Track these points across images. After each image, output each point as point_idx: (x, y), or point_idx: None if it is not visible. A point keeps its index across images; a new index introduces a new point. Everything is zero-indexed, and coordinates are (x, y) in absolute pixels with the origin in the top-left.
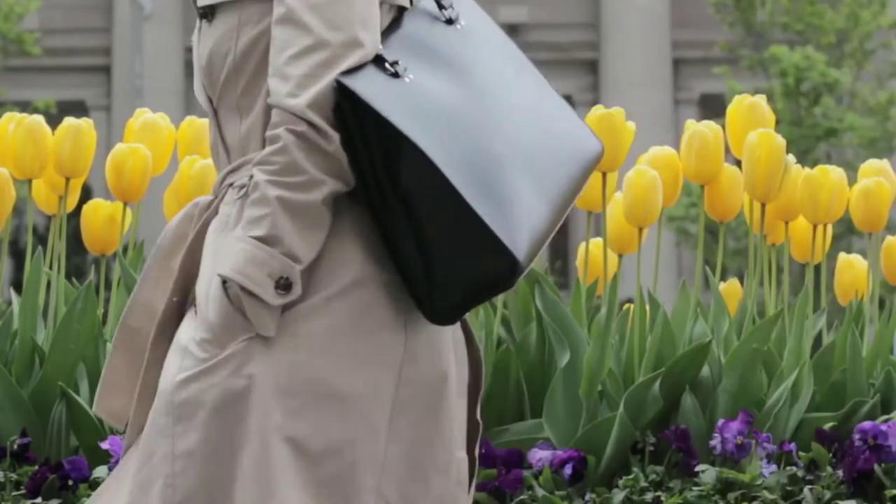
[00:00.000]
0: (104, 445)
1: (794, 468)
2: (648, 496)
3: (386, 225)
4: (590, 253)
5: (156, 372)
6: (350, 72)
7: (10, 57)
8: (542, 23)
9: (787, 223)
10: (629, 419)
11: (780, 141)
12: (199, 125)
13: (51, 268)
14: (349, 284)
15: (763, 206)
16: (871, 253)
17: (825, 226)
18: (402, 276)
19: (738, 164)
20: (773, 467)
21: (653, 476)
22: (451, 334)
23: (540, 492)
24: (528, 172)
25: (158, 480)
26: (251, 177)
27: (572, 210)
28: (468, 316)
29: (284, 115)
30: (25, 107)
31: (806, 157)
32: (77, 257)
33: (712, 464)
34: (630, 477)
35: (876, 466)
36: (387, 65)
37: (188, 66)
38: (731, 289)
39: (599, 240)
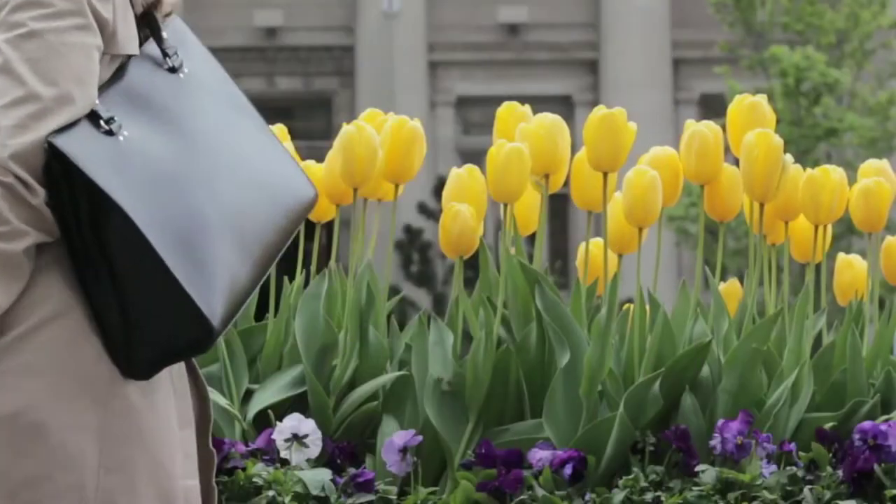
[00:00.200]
0: None
1: (794, 468)
2: (648, 496)
3: (88, 282)
4: (590, 253)
5: None
6: (63, 129)
7: None
8: (542, 23)
9: (787, 223)
10: (629, 419)
11: (778, 141)
12: None
13: None
14: (49, 317)
15: (762, 206)
16: (871, 253)
17: (825, 226)
18: (100, 327)
19: (739, 163)
20: (773, 467)
21: (653, 476)
22: (168, 369)
23: (540, 492)
24: (231, 231)
25: None
26: None
27: (573, 210)
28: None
29: None
30: None
31: (806, 157)
32: None
33: (712, 464)
34: (630, 477)
35: (876, 466)
36: (101, 122)
37: None
38: (731, 289)
39: (599, 240)
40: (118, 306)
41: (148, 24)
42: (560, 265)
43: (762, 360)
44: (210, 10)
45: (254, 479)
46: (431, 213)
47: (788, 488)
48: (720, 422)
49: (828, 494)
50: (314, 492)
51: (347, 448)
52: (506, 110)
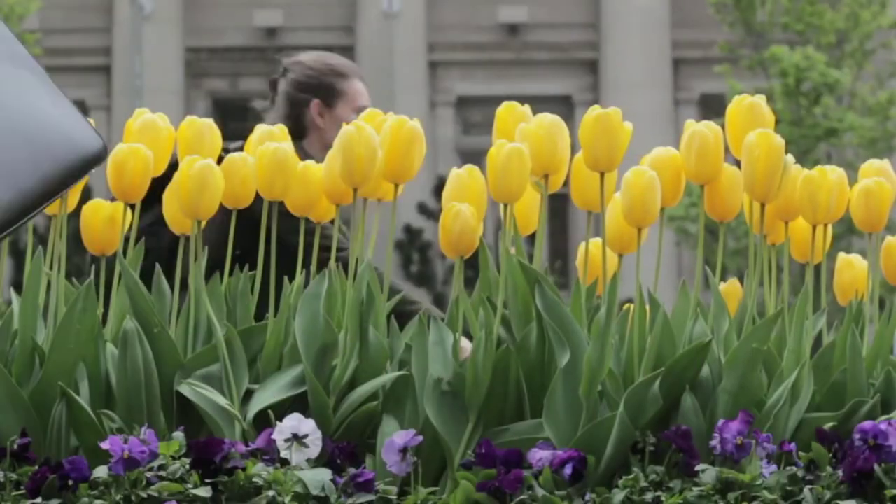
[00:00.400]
0: (104, 445)
1: (794, 468)
2: (648, 496)
3: None
4: (590, 253)
5: None
6: None
7: None
8: (542, 23)
9: (786, 223)
10: (629, 419)
11: (780, 141)
12: (199, 125)
13: (51, 268)
14: None
15: (762, 206)
16: (871, 253)
17: (825, 226)
18: None
19: (738, 164)
20: (773, 467)
21: (653, 476)
22: None
23: (540, 492)
24: None
25: None
26: None
27: (573, 210)
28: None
29: None
30: None
31: (806, 157)
32: (77, 257)
33: (712, 464)
34: (630, 477)
35: (876, 466)
36: None
37: (188, 66)
38: (731, 289)
39: (599, 240)
40: None
41: None
42: (560, 265)
43: (762, 360)
44: (210, 10)
45: (254, 480)
46: (431, 213)
47: (788, 488)
48: (720, 422)
49: (828, 494)
50: (314, 492)
51: (347, 448)
52: (506, 110)
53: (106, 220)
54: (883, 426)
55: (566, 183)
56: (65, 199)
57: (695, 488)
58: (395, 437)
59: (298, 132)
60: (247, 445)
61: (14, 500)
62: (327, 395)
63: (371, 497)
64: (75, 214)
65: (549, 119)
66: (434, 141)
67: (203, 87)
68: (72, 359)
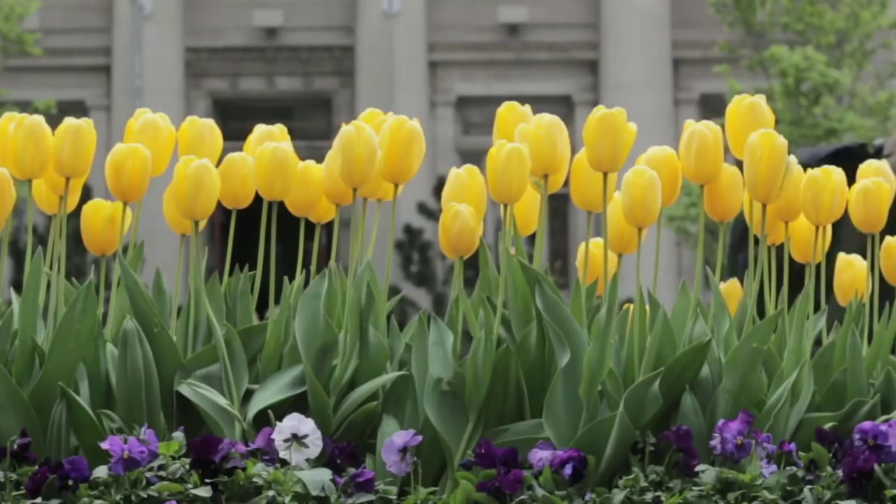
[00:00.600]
0: (104, 445)
1: (794, 468)
2: (648, 496)
3: None
4: (590, 253)
5: None
6: None
7: (10, 57)
8: (542, 23)
9: (787, 223)
10: (629, 419)
11: (782, 141)
12: (199, 125)
13: (51, 268)
14: None
15: (764, 206)
16: (871, 253)
17: (825, 226)
18: None
19: (738, 163)
20: (773, 467)
21: (653, 476)
22: None
23: (540, 492)
24: None
25: None
26: None
27: (573, 210)
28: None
29: None
30: (25, 107)
31: None
32: (77, 257)
33: (712, 464)
34: (630, 477)
35: (876, 466)
36: None
37: (188, 66)
38: (731, 289)
39: (599, 240)
40: None
41: None
42: (560, 265)
43: (762, 360)
44: (210, 10)
45: (254, 480)
46: (431, 213)
47: (788, 488)
48: (720, 422)
49: (828, 494)
50: (314, 492)
51: (347, 448)
52: (505, 110)
53: (106, 220)
54: (883, 426)
55: (566, 183)
56: (65, 199)
57: (695, 488)
58: (394, 437)
59: None
60: (247, 445)
61: (14, 500)
62: (327, 395)
63: (371, 497)
64: (75, 214)
65: (549, 119)
66: (434, 141)
67: (203, 87)
68: (72, 359)
